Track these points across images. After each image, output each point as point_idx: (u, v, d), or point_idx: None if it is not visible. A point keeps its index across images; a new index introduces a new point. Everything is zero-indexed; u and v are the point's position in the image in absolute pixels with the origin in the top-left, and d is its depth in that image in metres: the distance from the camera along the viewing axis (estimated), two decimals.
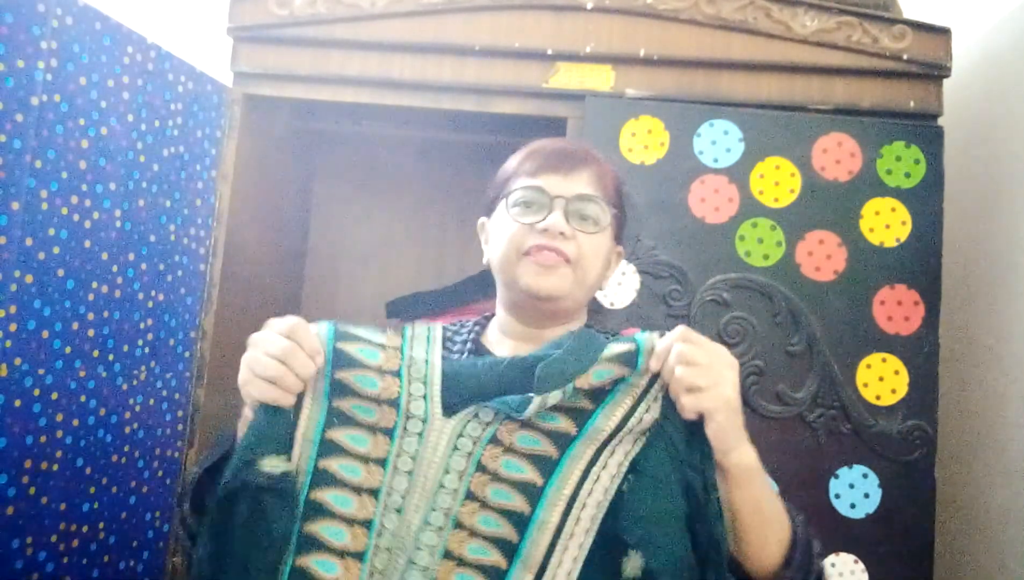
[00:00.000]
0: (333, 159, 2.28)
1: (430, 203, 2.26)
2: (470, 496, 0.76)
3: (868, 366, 1.48)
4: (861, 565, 1.43)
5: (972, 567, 1.60)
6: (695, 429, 0.75)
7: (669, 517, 0.73)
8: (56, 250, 1.29)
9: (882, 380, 1.47)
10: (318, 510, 0.76)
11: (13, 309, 1.22)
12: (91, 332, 1.38)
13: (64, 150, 1.30)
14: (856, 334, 1.48)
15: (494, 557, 0.75)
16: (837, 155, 1.53)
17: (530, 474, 0.76)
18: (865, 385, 1.47)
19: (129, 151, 1.45)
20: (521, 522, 0.75)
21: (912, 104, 1.55)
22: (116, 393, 1.44)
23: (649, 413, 0.77)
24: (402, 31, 1.61)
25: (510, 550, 0.75)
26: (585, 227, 0.91)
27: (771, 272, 1.51)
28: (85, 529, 1.38)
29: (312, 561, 0.74)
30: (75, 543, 1.36)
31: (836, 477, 1.45)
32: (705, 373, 0.74)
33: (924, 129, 1.53)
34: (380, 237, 2.27)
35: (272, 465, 0.74)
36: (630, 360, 0.77)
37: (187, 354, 1.63)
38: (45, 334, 1.28)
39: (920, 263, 1.50)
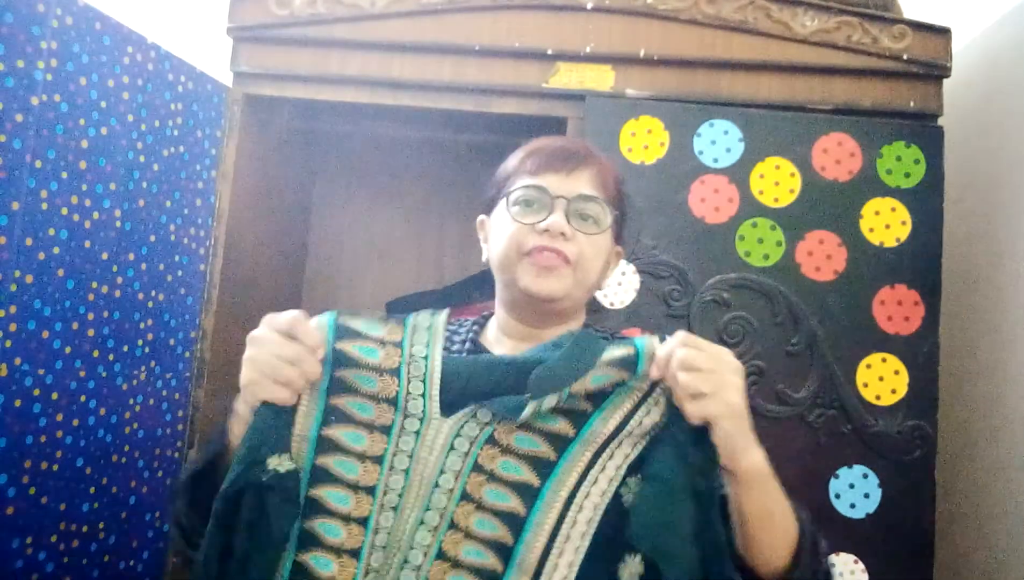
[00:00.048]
0: (333, 159, 2.28)
1: (430, 203, 2.26)
2: (465, 496, 0.76)
3: (868, 366, 1.48)
4: (861, 565, 1.43)
5: (972, 567, 1.60)
6: (701, 434, 0.74)
7: (683, 524, 0.72)
8: (56, 250, 1.29)
9: (882, 380, 1.47)
10: (315, 507, 0.76)
11: (13, 309, 1.22)
12: (91, 332, 1.38)
13: (64, 150, 1.30)
14: (856, 334, 1.48)
15: (489, 560, 0.74)
16: (837, 155, 1.53)
17: (527, 475, 0.76)
18: (865, 385, 1.47)
19: (129, 151, 1.45)
20: (516, 524, 0.75)
21: (912, 104, 1.55)
22: (116, 393, 1.44)
23: (649, 417, 0.76)
24: (402, 31, 1.61)
25: (505, 553, 0.74)
26: (586, 227, 0.91)
27: (771, 272, 1.51)
28: (85, 529, 1.38)
29: (309, 557, 0.74)
30: (75, 543, 1.36)
31: (836, 477, 1.45)
32: (708, 379, 0.72)
33: (924, 129, 1.53)
34: (380, 237, 2.27)
35: (278, 464, 0.74)
36: (630, 365, 0.76)
37: (187, 354, 1.63)
38: (45, 334, 1.28)
39: (920, 263, 1.50)
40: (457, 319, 1.05)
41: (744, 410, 0.74)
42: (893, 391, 1.47)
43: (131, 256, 1.47)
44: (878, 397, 1.47)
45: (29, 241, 1.24)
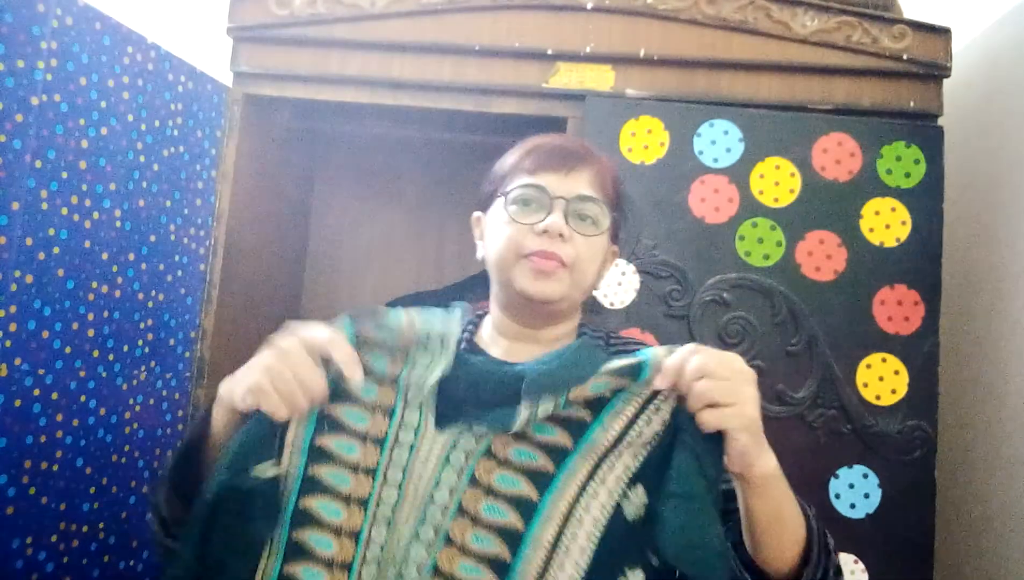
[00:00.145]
0: (333, 159, 2.28)
1: (430, 203, 2.26)
2: (462, 511, 0.74)
3: (868, 366, 1.48)
4: (861, 565, 1.43)
5: (972, 567, 1.60)
6: (713, 443, 0.72)
7: (715, 538, 0.70)
8: (56, 250, 1.29)
9: (882, 380, 1.47)
10: (306, 518, 0.74)
11: (13, 309, 1.22)
12: (91, 332, 1.38)
13: (64, 150, 1.30)
14: (856, 334, 1.48)
15: (486, 576, 0.72)
16: (837, 155, 1.53)
17: (525, 489, 0.74)
18: (865, 385, 1.47)
19: (129, 151, 1.45)
20: (514, 539, 0.73)
21: (912, 104, 1.55)
22: (116, 393, 1.44)
23: (650, 427, 0.74)
24: (402, 31, 1.61)
25: (503, 569, 0.72)
26: (584, 228, 0.90)
27: (771, 272, 1.51)
28: (85, 529, 1.38)
29: (299, 570, 0.73)
30: (75, 543, 1.36)
31: (836, 477, 1.45)
32: (725, 389, 0.71)
33: (924, 129, 1.53)
34: (380, 237, 2.27)
35: (263, 470, 0.72)
36: (633, 373, 0.74)
37: (187, 354, 1.63)
38: (45, 334, 1.28)
39: (920, 263, 1.50)
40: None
41: (759, 420, 0.72)
42: (893, 391, 1.47)
43: (131, 256, 1.47)
44: (878, 397, 1.47)
45: (29, 241, 1.24)
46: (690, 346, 0.74)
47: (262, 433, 0.74)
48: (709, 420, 0.71)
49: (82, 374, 1.36)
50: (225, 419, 0.77)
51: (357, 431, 0.76)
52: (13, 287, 1.22)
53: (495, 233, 0.93)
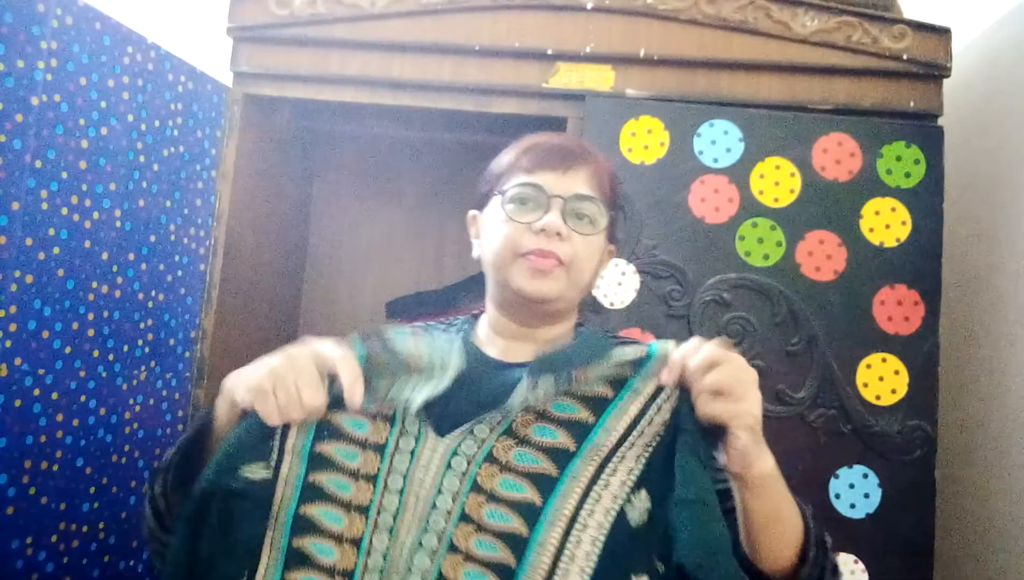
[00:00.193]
0: (333, 159, 2.28)
1: (430, 203, 2.26)
2: (464, 517, 0.73)
3: (868, 366, 1.48)
4: (861, 565, 1.43)
5: (972, 567, 1.60)
6: (710, 442, 0.72)
7: (724, 540, 0.70)
8: (56, 250, 1.29)
9: (882, 380, 1.47)
10: (307, 525, 0.73)
11: (13, 309, 1.22)
12: (91, 332, 1.38)
13: (64, 150, 1.30)
14: (856, 334, 1.48)
15: None
16: (837, 155, 1.53)
17: (529, 493, 0.73)
18: (865, 385, 1.47)
19: (129, 151, 1.45)
20: (519, 545, 0.72)
21: (912, 104, 1.55)
22: (116, 393, 1.44)
23: (651, 427, 0.74)
24: (402, 31, 1.61)
25: (508, 575, 0.71)
26: (581, 227, 0.90)
27: (771, 272, 1.51)
28: (85, 529, 1.38)
29: (300, 577, 0.72)
30: (75, 543, 1.36)
31: (836, 477, 1.45)
32: (735, 383, 0.71)
33: (924, 129, 1.53)
34: (380, 237, 2.27)
35: (252, 471, 0.72)
36: (638, 365, 0.74)
37: (187, 354, 1.63)
38: (45, 334, 1.28)
39: (920, 263, 1.50)
40: (447, 319, 1.04)
41: (760, 421, 0.72)
42: (893, 391, 1.47)
43: (131, 256, 1.47)
44: (878, 397, 1.47)
45: (29, 241, 1.24)
46: (695, 341, 0.74)
47: (256, 434, 0.74)
48: (716, 410, 0.71)
49: (82, 374, 1.36)
50: (227, 413, 0.77)
51: (358, 438, 0.76)
52: (13, 287, 1.22)
53: (492, 232, 0.93)
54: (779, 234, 1.52)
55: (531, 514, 0.73)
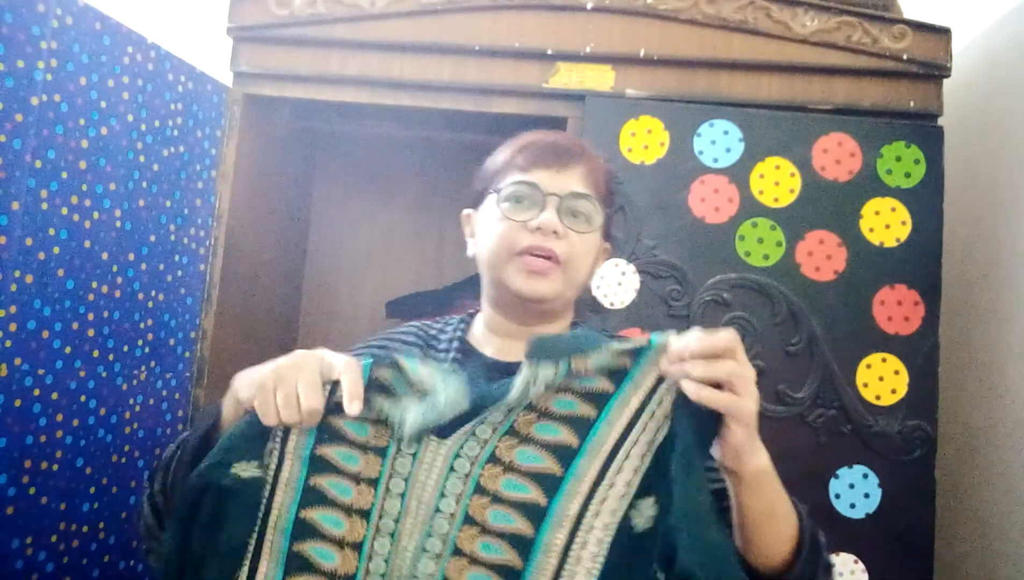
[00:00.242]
0: (333, 159, 2.28)
1: (430, 203, 2.26)
2: (468, 520, 0.72)
3: (868, 366, 1.48)
4: (861, 565, 1.43)
5: (972, 567, 1.60)
6: (705, 435, 0.71)
7: (728, 544, 0.69)
8: (56, 250, 1.29)
9: (882, 380, 1.47)
10: (308, 529, 0.73)
11: (13, 309, 1.22)
12: (91, 332, 1.38)
13: (64, 150, 1.30)
14: (856, 334, 1.48)
15: None
16: (837, 155, 1.53)
17: (533, 494, 0.72)
18: (865, 385, 1.47)
19: (129, 151, 1.45)
20: (525, 546, 0.71)
21: (912, 104, 1.55)
22: (116, 393, 1.44)
23: (653, 419, 0.73)
24: (402, 31, 1.61)
25: (514, 578, 0.71)
26: (577, 226, 0.90)
27: (771, 272, 1.51)
28: (85, 529, 1.38)
29: None
30: (75, 543, 1.36)
31: (836, 477, 1.45)
32: (736, 374, 0.70)
33: (924, 129, 1.53)
34: (380, 237, 2.27)
35: (243, 469, 0.72)
36: (637, 355, 0.73)
37: (187, 354, 1.63)
38: (45, 334, 1.28)
39: (920, 263, 1.50)
40: (442, 318, 1.04)
41: (756, 418, 0.72)
42: (893, 391, 1.47)
43: (131, 256, 1.47)
44: (878, 397, 1.47)
45: (29, 241, 1.24)
46: (696, 331, 0.73)
47: (251, 432, 0.73)
48: (715, 398, 0.69)
49: (82, 374, 1.36)
50: (233, 411, 0.78)
51: (359, 441, 0.75)
52: (13, 287, 1.22)
53: (487, 230, 0.93)
54: (779, 234, 1.52)
55: (536, 515, 0.72)
